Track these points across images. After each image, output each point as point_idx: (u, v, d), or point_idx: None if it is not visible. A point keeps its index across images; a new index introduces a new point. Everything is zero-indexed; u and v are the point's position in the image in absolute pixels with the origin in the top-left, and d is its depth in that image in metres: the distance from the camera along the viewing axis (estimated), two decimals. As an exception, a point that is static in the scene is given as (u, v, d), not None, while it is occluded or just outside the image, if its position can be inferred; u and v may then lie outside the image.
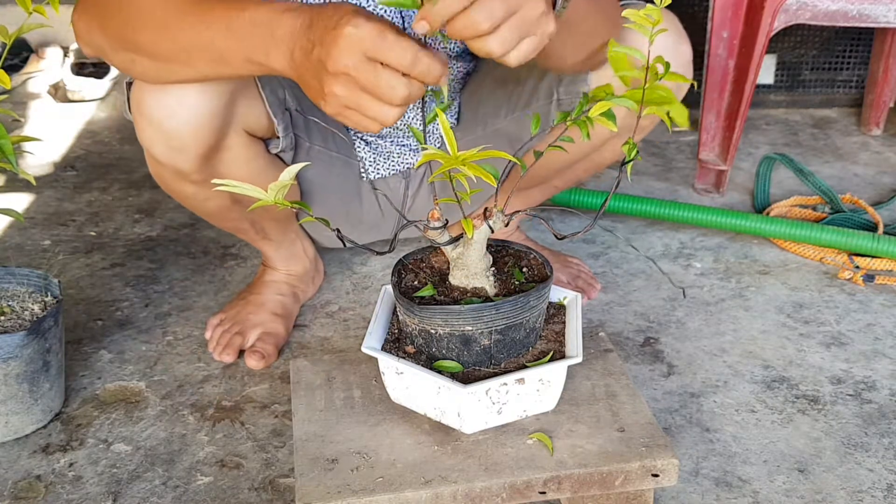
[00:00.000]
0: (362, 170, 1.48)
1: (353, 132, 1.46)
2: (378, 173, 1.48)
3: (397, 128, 1.44)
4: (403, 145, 1.47)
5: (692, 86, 1.00)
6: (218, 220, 1.40)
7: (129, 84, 1.22)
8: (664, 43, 0.96)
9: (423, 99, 0.95)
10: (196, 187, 1.25)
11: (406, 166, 1.49)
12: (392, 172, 1.49)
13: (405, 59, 0.86)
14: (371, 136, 1.46)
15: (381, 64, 0.86)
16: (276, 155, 1.33)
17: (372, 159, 1.47)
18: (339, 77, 0.88)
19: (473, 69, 1.48)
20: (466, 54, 1.44)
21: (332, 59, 0.87)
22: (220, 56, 0.99)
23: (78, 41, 1.09)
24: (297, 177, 1.42)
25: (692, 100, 2.15)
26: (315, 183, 1.42)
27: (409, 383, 1.04)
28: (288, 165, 1.39)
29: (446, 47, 1.38)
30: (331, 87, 0.89)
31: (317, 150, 1.40)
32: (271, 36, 0.93)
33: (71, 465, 1.20)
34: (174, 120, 1.14)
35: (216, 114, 1.16)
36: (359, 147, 1.47)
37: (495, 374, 1.01)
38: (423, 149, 0.91)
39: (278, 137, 1.29)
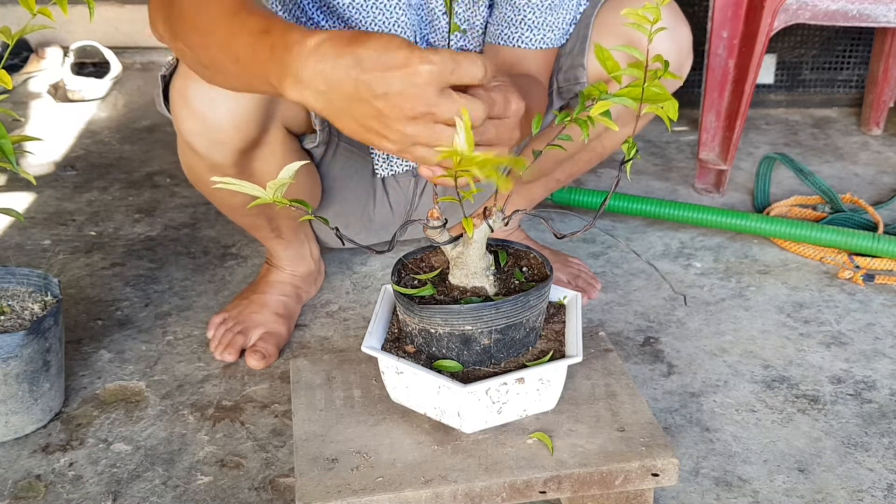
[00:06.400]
0: (375, 166, 1.47)
1: None
2: (390, 170, 1.48)
3: None
4: None
5: (691, 79, 0.99)
6: (238, 215, 1.39)
7: (164, 77, 1.20)
8: (664, 24, 0.95)
9: None
10: None
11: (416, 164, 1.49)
12: (403, 170, 1.49)
13: (479, 72, 0.83)
14: None
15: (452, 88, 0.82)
16: (307, 151, 1.33)
17: (384, 156, 1.47)
18: (417, 119, 0.82)
19: None
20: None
21: (413, 101, 0.81)
22: (246, 77, 0.94)
23: (150, 26, 1.06)
24: (321, 174, 1.42)
25: (692, 100, 2.16)
26: (338, 180, 1.42)
27: (408, 383, 1.04)
28: (316, 162, 1.40)
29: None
30: (403, 128, 0.83)
31: (343, 147, 1.40)
32: (297, 77, 0.85)
33: (71, 464, 1.20)
34: (218, 112, 1.12)
35: (260, 108, 1.15)
36: None
37: (495, 374, 1.01)
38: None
39: (314, 132, 1.28)
